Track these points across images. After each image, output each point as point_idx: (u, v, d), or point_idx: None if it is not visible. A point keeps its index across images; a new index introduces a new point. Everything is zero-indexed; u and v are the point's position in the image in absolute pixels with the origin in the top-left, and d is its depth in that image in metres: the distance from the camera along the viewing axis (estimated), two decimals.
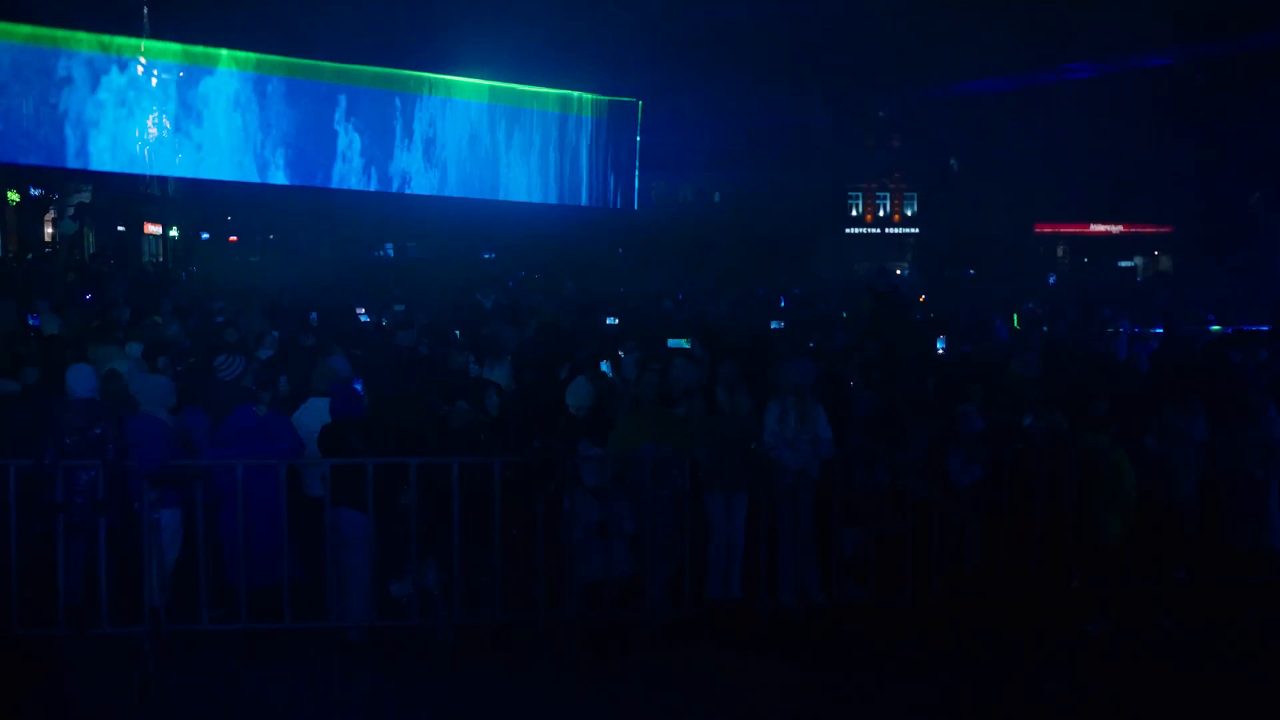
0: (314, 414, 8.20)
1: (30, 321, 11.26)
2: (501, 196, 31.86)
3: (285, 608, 7.30)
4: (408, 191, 29.98)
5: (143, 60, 25.02)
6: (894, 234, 54.94)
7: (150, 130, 25.55)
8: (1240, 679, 7.49)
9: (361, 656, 7.50)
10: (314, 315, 13.18)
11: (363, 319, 14.34)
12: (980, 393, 8.55)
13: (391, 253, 42.06)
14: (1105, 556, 8.33)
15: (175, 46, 25.53)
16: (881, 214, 56.51)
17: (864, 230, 55.51)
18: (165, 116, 25.66)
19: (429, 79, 29.47)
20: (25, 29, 22.37)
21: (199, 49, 25.84)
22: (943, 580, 8.15)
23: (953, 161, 53.09)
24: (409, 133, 29.48)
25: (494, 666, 7.33)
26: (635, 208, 35.66)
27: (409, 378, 8.85)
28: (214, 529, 7.30)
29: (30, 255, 28.04)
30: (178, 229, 43.94)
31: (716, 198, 54.87)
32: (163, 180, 40.42)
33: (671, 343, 11.38)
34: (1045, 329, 13.43)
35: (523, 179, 32.18)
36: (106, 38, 24.29)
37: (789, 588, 8.07)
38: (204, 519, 7.26)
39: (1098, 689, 7.39)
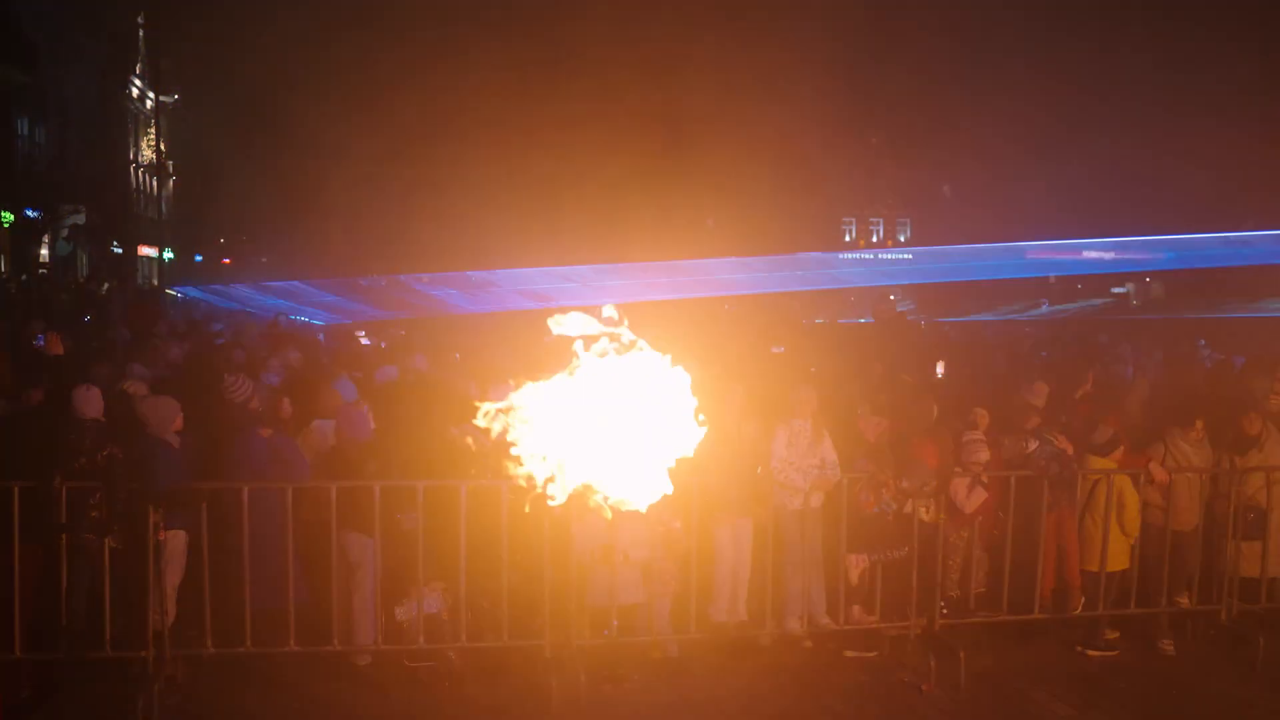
0: (320, 436, 8.19)
1: (36, 342, 11.24)
2: None
3: (290, 631, 7.26)
4: None
5: None
6: (887, 259, 55.22)
7: None
8: (1244, 706, 7.50)
9: (367, 681, 7.46)
10: (321, 336, 13.21)
11: (364, 342, 14.36)
12: (985, 418, 8.56)
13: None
14: (1109, 582, 8.34)
15: None
16: (875, 239, 56.82)
17: (857, 255, 55.78)
18: None
19: None
20: None
21: None
22: (947, 605, 8.15)
23: (945, 188, 53.48)
24: None
25: (500, 691, 7.30)
26: None
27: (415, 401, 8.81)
28: (219, 552, 7.25)
29: (25, 277, 27.97)
30: (172, 251, 44.05)
31: (709, 223, 55.06)
32: (157, 202, 40.58)
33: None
34: (1045, 354, 13.49)
35: None
36: None
37: (795, 612, 8.06)
38: (209, 541, 7.22)
39: (1101, 715, 7.38)
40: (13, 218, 31.74)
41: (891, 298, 15.54)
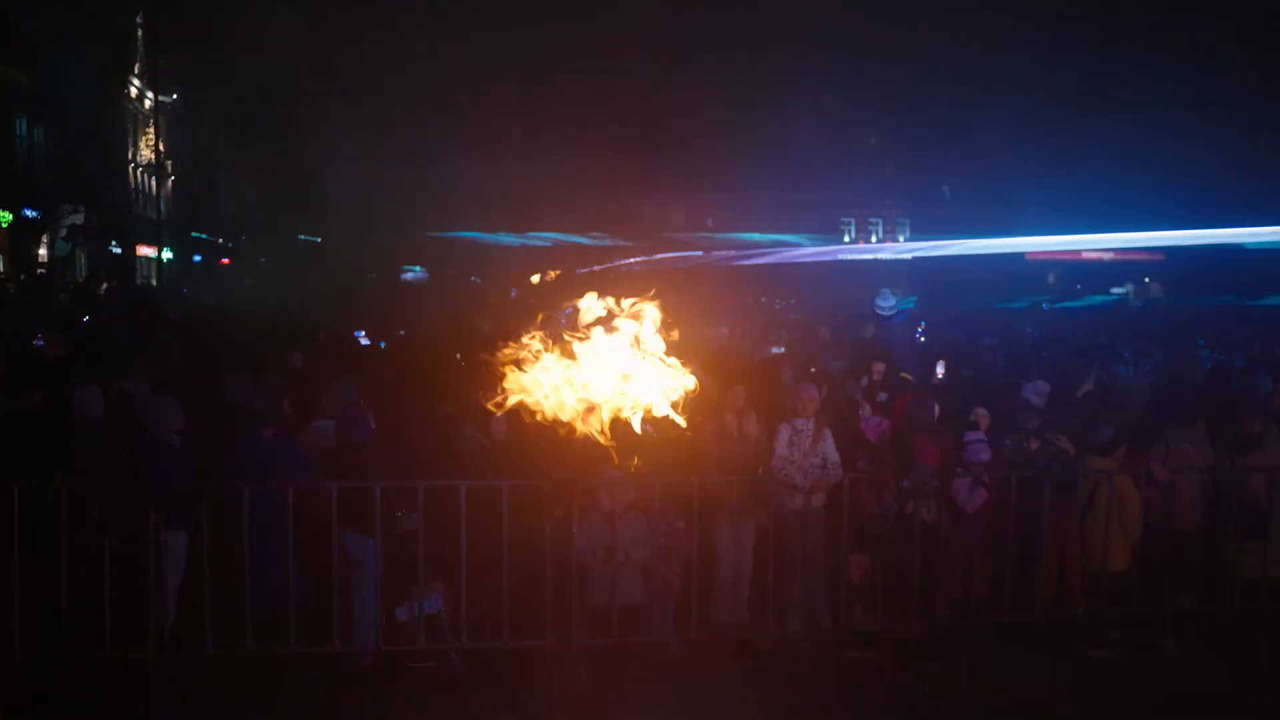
0: (320, 437, 8.18)
1: (36, 342, 11.25)
2: None
3: (291, 632, 7.25)
4: None
5: None
6: (887, 260, 55.18)
7: None
8: (1245, 706, 7.48)
9: (368, 681, 7.45)
10: (320, 336, 13.22)
11: (363, 343, 14.33)
12: (986, 418, 8.56)
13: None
14: (1110, 582, 8.33)
15: None
16: (874, 239, 56.82)
17: (856, 256, 55.75)
18: None
19: None
20: None
21: None
22: (949, 605, 8.13)
23: (945, 189, 53.50)
24: None
25: (500, 692, 7.29)
26: None
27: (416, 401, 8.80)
28: (220, 552, 7.24)
29: (25, 277, 27.95)
30: (171, 251, 44.04)
31: (709, 223, 55.20)
32: (156, 202, 40.57)
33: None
34: (1045, 354, 13.47)
35: None
36: None
37: (796, 613, 8.05)
38: (210, 542, 7.21)
39: (1103, 715, 7.37)
40: (11, 218, 31.69)
41: (891, 296, 15.50)
